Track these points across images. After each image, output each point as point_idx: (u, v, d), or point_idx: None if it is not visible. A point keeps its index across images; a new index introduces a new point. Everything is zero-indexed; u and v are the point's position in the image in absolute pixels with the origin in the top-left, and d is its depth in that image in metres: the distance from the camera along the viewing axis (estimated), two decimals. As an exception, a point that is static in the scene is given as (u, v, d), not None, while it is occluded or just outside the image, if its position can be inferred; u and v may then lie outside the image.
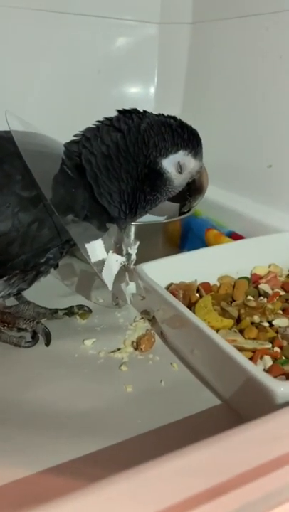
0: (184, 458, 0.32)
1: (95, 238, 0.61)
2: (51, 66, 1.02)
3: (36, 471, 0.40)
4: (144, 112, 0.62)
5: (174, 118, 0.62)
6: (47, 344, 0.61)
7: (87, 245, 0.59)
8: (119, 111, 0.63)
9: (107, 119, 0.62)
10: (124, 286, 0.67)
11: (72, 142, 0.62)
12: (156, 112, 0.63)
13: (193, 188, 0.68)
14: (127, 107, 0.63)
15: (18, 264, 0.56)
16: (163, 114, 0.63)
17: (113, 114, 0.64)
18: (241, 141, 0.95)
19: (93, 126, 0.62)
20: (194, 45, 1.06)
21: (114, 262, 0.61)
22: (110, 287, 0.62)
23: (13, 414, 0.49)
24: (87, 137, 0.61)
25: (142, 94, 1.13)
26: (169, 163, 0.61)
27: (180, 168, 0.62)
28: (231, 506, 0.28)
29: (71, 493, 0.28)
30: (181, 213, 0.89)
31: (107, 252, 0.61)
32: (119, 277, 0.66)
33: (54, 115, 0.95)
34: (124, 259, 0.63)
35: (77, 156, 0.60)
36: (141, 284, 0.63)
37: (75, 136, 0.63)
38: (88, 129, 0.62)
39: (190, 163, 0.63)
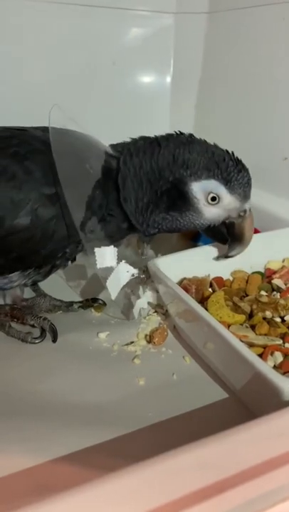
0: (194, 452, 0.33)
1: (110, 243, 0.61)
2: (66, 58, 1.02)
3: (47, 459, 0.42)
4: (197, 138, 0.61)
5: (226, 151, 0.60)
6: (54, 341, 0.62)
7: (96, 250, 0.58)
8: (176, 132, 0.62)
9: (154, 136, 0.62)
10: (135, 300, 0.67)
11: (118, 147, 0.63)
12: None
13: (232, 233, 0.61)
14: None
15: (37, 260, 0.57)
16: (216, 145, 0.60)
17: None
18: (257, 133, 0.94)
19: (150, 137, 0.62)
20: (210, 35, 1.05)
21: (124, 273, 0.60)
22: (114, 296, 0.61)
23: (28, 404, 0.51)
24: (137, 140, 0.62)
25: (158, 85, 1.12)
26: (198, 189, 0.58)
27: (211, 200, 0.58)
28: (240, 500, 0.29)
29: (80, 484, 0.29)
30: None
31: (119, 261, 0.60)
32: (131, 289, 0.66)
33: (70, 107, 0.96)
34: (136, 271, 0.61)
35: (116, 157, 0.61)
36: (157, 280, 0.63)
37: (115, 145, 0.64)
38: (143, 136, 0.63)
39: (225, 197, 0.58)
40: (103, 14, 1.01)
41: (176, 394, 0.53)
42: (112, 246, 0.59)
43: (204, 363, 0.58)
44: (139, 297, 0.66)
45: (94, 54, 1.04)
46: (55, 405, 0.51)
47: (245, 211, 0.60)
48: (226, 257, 0.64)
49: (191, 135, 0.61)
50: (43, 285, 0.72)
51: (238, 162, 0.59)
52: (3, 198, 0.54)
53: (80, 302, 0.70)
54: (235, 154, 0.60)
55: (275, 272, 0.67)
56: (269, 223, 0.82)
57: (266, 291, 0.64)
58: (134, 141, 0.62)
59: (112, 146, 0.63)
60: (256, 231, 0.83)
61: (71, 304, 0.70)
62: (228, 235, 0.62)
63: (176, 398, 0.52)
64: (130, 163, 0.59)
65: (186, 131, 0.63)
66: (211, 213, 0.60)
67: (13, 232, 0.54)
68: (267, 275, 0.68)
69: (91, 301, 0.71)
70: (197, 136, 0.62)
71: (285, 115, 0.87)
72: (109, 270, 0.59)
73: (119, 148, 0.62)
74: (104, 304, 0.71)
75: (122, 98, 1.08)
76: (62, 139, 0.58)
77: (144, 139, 0.62)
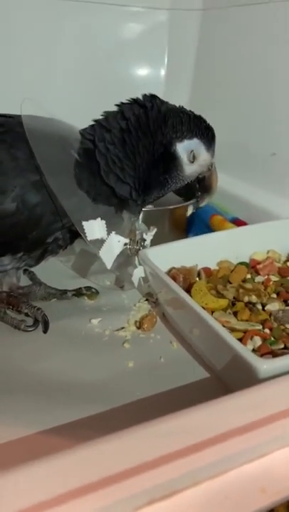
0: (174, 420, 0.36)
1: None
2: (64, 53, 1.05)
3: (38, 430, 0.46)
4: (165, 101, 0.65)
5: (191, 111, 0.64)
6: (44, 331, 0.64)
7: (84, 223, 0.60)
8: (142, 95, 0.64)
9: (129, 100, 0.64)
10: (132, 270, 0.70)
11: (88, 126, 0.65)
12: (165, 98, 0.66)
13: (202, 186, 0.68)
14: (139, 92, 0.65)
15: (24, 245, 0.60)
16: (182, 106, 0.65)
17: (125, 98, 0.66)
18: (247, 129, 0.97)
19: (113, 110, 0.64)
20: (204, 31, 1.07)
21: (115, 243, 0.63)
22: (109, 266, 0.64)
23: (22, 382, 0.54)
24: (106, 117, 0.63)
25: (152, 80, 1.15)
26: (182, 149, 0.62)
27: (192, 158, 0.63)
28: (208, 460, 0.33)
29: (66, 449, 0.32)
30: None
31: (109, 233, 0.63)
32: (127, 260, 0.69)
33: (66, 100, 0.99)
34: (127, 240, 0.64)
35: (90, 140, 0.62)
36: (146, 270, 0.67)
37: (94, 121, 0.65)
38: (107, 111, 0.64)
39: (202, 154, 0.64)
40: (99, 10, 1.03)
41: (163, 374, 0.56)
42: (98, 219, 0.61)
43: (190, 348, 0.61)
44: (135, 266, 0.68)
45: (90, 49, 1.07)
46: (48, 384, 0.54)
47: (212, 164, 0.66)
48: (197, 208, 0.71)
49: (157, 96, 0.64)
50: (39, 274, 0.75)
51: (204, 120, 0.64)
52: None
53: (73, 290, 0.73)
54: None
55: (259, 263, 0.71)
56: (257, 216, 0.86)
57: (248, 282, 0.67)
58: (104, 118, 0.63)
59: (82, 130, 0.65)
60: (244, 223, 0.87)
61: (65, 292, 0.73)
62: (198, 189, 0.68)
63: (162, 378, 0.55)
64: (111, 136, 0.61)
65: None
66: (191, 170, 0.65)
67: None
68: (251, 265, 0.71)
69: (84, 290, 0.74)
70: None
71: (274, 112, 0.90)
72: (100, 242, 0.62)
73: (88, 130, 0.63)
74: (97, 292, 0.74)
75: (118, 92, 1.11)
76: (40, 127, 0.60)
77: (113, 112, 0.63)
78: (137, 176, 0.62)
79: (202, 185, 0.68)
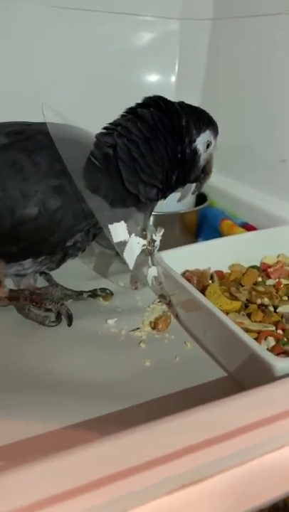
0: (190, 416, 0.38)
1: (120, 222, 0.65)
2: (76, 60, 1.07)
3: (59, 427, 0.48)
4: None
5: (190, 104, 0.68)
6: (69, 325, 0.67)
7: (110, 226, 0.63)
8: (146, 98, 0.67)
9: (139, 104, 0.67)
10: (146, 270, 0.73)
11: (105, 134, 0.67)
12: None
13: (204, 170, 0.71)
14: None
15: (46, 247, 0.62)
16: (182, 101, 0.68)
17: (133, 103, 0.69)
18: (257, 135, 0.99)
19: (124, 115, 0.67)
20: (214, 40, 1.10)
21: (135, 244, 0.66)
22: (131, 267, 0.66)
23: (43, 381, 0.56)
24: (124, 126, 0.65)
25: (163, 87, 1.17)
26: (200, 142, 0.66)
27: (206, 147, 0.67)
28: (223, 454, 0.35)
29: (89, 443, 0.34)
30: (197, 204, 0.95)
31: (130, 235, 0.66)
32: (142, 261, 0.71)
33: (81, 106, 1.01)
34: (145, 241, 0.67)
35: (109, 147, 0.64)
36: (159, 270, 0.69)
37: (105, 128, 0.67)
38: (121, 119, 0.66)
39: (213, 142, 0.68)
40: (111, 19, 1.06)
41: (178, 373, 0.58)
42: (122, 222, 0.64)
43: (204, 348, 0.63)
44: (149, 267, 0.71)
45: (101, 57, 1.10)
46: (67, 382, 0.56)
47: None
48: (199, 190, 0.75)
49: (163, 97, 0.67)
50: (55, 276, 0.77)
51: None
52: (13, 189, 0.58)
53: (89, 292, 0.75)
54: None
55: (270, 267, 0.73)
56: (266, 221, 0.88)
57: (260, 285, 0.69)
58: (122, 127, 0.64)
59: (100, 135, 0.67)
60: (253, 228, 0.90)
61: (81, 293, 0.75)
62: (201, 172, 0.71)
63: (177, 377, 0.57)
64: (138, 146, 0.63)
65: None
66: (203, 159, 0.68)
67: (23, 222, 0.58)
68: (262, 269, 0.74)
69: (99, 291, 0.76)
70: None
71: (283, 120, 0.92)
72: (123, 244, 0.65)
73: (106, 138, 0.65)
74: (112, 293, 0.76)
75: (130, 99, 1.14)
76: (62, 131, 0.62)
77: (127, 117, 0.65)
78: (165, 178, 0.66)
79: (204, 169, 0.71)
